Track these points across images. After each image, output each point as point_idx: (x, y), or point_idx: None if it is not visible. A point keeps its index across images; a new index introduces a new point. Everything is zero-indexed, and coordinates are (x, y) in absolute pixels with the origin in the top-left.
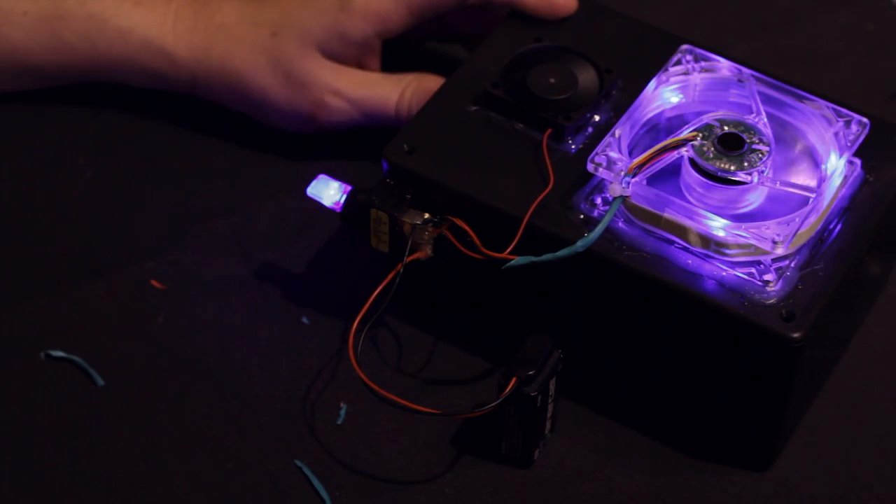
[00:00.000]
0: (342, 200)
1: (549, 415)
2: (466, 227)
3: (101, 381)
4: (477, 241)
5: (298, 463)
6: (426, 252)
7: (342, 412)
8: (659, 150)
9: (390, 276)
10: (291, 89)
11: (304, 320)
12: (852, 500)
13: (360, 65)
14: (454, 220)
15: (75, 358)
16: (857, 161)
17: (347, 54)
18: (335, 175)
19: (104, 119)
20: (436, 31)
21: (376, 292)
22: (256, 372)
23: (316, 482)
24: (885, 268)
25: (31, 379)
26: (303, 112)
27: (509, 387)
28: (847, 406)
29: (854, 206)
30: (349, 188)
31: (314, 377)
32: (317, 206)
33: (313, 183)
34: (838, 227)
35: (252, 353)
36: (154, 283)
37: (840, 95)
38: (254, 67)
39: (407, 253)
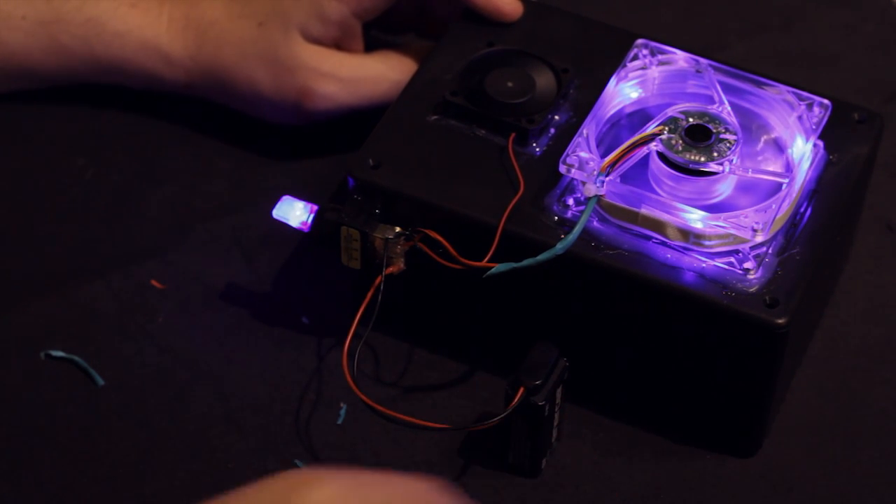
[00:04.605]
0: (309, 220)
1: (555, 423)
2: (440, 238)
3: (101, 381)
4: (453, 252)
5: (298, 463)
6: (399, 266)
7: (342, 412)
8: (629, 146)
9: (370, 293)
10: (278, 77)
11: (304, 320)
12: (852, 498)
13: (342, 49)
14: (426, 231)
15: (75, 358)
16: (820, 143)
17: (329, 37)
18: (324, 183)
19: (104, 119)
20: (416, 19)
21: (359, 313)
22: (256, 372)
23: None
24: (848, 244)
25: (31, 379)
26: (290, 100)
27: (517, 397)
28: (847, 403)
29: (821, 188)
30: (315, 207)
31: (314, 377)
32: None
33: (278, 205)
34: (808, 209)
35: (252, 353)
36: (154, 283)
37: (840, 95)
38: (243, 59)
39: (384, 268)
